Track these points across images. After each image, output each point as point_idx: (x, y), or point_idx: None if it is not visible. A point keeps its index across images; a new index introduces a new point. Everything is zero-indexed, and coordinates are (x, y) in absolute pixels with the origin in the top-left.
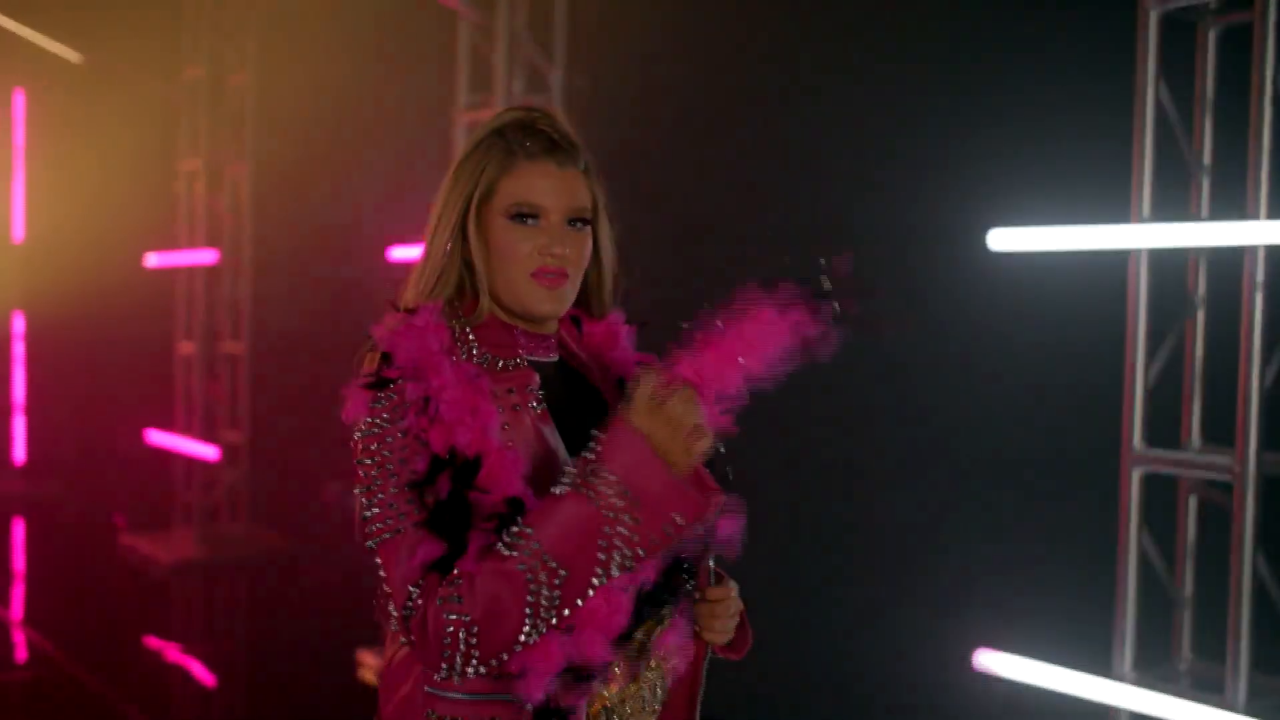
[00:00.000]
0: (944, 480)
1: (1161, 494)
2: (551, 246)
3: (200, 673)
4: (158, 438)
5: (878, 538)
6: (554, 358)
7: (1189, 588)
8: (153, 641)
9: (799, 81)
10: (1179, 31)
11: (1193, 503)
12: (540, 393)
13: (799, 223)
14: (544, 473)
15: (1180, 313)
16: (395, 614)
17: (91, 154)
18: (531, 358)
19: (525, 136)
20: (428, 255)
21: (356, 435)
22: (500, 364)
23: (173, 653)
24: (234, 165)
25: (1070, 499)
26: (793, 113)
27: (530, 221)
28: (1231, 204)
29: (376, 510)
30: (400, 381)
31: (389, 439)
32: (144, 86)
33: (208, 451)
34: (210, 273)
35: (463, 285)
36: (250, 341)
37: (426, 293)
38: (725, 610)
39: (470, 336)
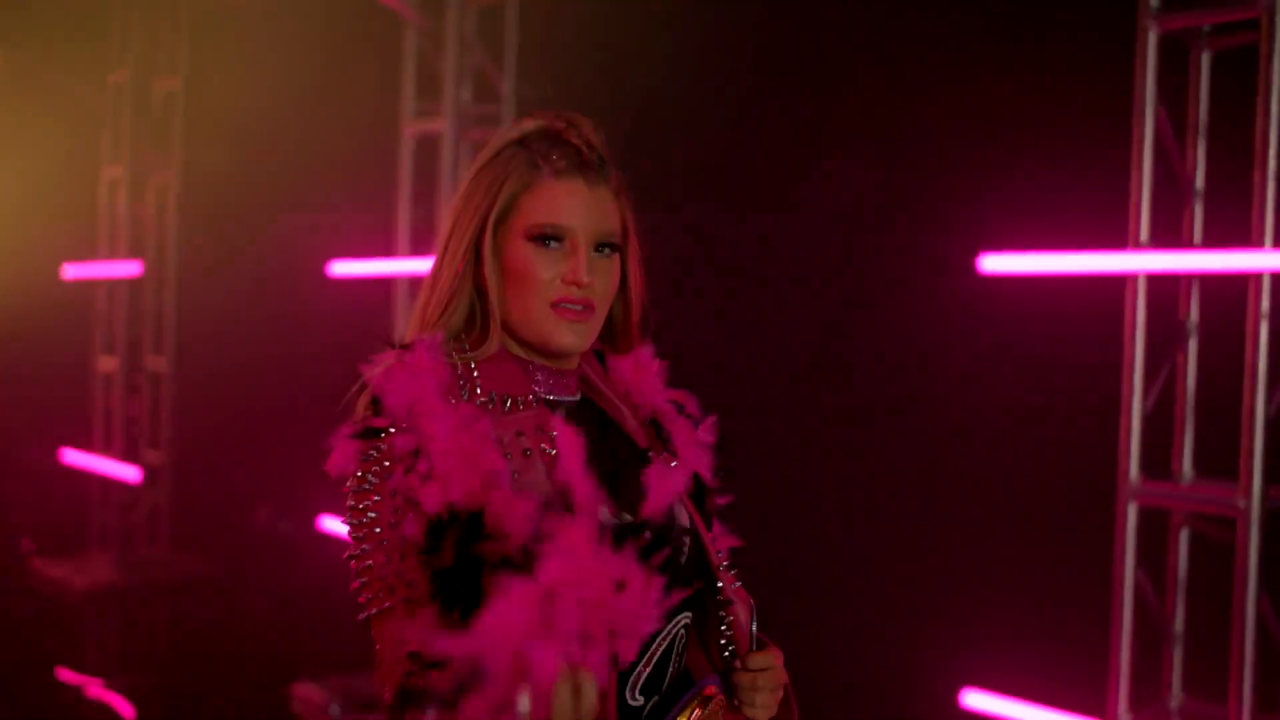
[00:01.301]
0: (932, 511)
1: (1154, 526)
2: (576, 274)
3: (118, 707)
4: (74, 457)
5: (862, 571)
6: (575, 397)
7: (1181, 623)
8: (66, 673)
9: (778, 94)
10: (1173, 54)
11: (1184, 535)
12: (556, 435)
13: (779, 244)
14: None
15: (1172, 341)
16: (387, 699)
17: (7, 159)
18: (549, 396)
19: (551, 148)
20: (435, 279)
21: (346, 490)
22: (509, 404)
23: (88, 685)
24: (160, 173)
25: (1062, 530)
26: (771, 128)
27: (553, 244)
28: (1225, 229)
29: (366, 580)
30: (389, 432)
31: (378, 498)
32: (66, 89)
33: (128, 472)
34: (133, 285)
35: (474, 314)
36: (175, 357)
37: (433, 322)
38: (769, 682)
39: (474, 373)
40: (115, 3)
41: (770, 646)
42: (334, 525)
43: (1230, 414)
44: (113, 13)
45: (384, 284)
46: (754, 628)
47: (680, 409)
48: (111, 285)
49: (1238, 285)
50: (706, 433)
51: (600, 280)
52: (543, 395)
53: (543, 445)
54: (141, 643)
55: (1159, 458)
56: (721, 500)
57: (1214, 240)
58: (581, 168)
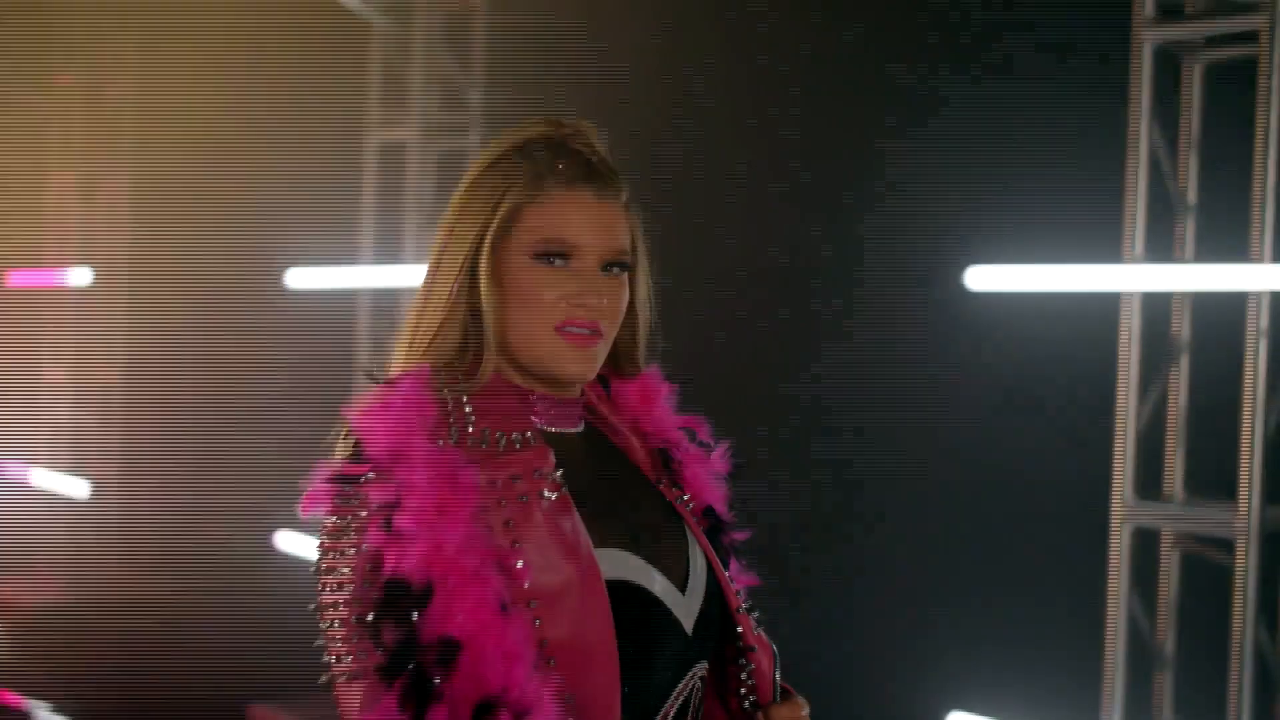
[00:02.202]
0: (918, 530)
1: (1146, 547)
2: (584, 295)
3: None
4: (19, 471)
5: (847, 591)
6: (579, 427)
7: (1171, 646)
8: (10, 698)
9: (760, 105)
10: (1165, 65)
11: (1175, 557)
12: (558, 475)
13: (760, 257)
14: (558, 575)
15: (1165, 359)
16: None
17: None
18: (550, 428)
19: (556, 157)
20: (425, 301)
21: (319, 538)
22: (504, 442)
23: (35, 710)
24: (110, 180)
25: (1052, 550)
26: (752, 139)
27: (558, 262)
28: (1218, 244)
29: (337, 643)
30: (368, 479)
31: (351, 552)
32: (10, 93)
33: (76, 487)
34: (82, 294)
35: (468, 340)
36: (125, 369)
37: (422, 349)
38: None
39: (467, 408)
40: (61, 3)
41: (794, 696)
42: (291, 542)
43: (1221, 433)
44: (58, 13)
45: (346, 295)
46: (777, 675)
47: (692, 436)
48: (60, 294)
49: (1229, 301)
50: (719, 462)
51: (609, 301)
52: (543, 427)
53: (541, 489)
54: (91, 664)
55: (1151, 477)
56: (739, 536)
57: (1207, 255)
58: (590, 178)
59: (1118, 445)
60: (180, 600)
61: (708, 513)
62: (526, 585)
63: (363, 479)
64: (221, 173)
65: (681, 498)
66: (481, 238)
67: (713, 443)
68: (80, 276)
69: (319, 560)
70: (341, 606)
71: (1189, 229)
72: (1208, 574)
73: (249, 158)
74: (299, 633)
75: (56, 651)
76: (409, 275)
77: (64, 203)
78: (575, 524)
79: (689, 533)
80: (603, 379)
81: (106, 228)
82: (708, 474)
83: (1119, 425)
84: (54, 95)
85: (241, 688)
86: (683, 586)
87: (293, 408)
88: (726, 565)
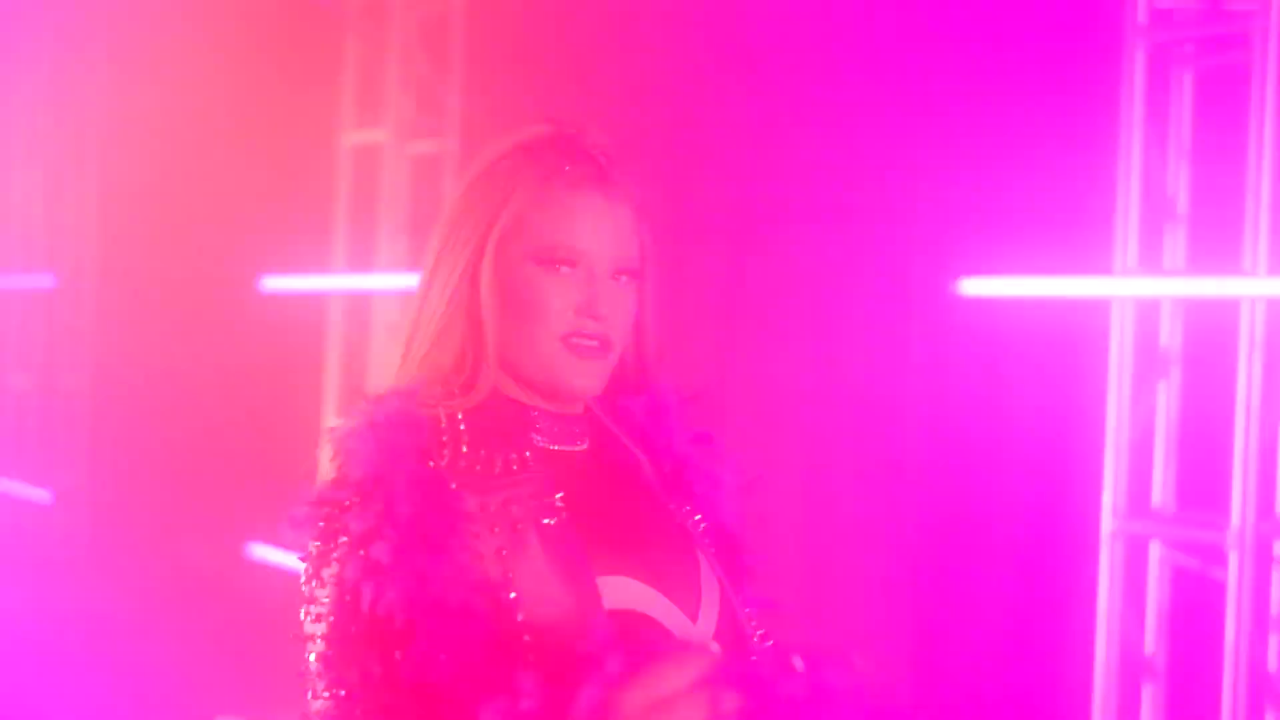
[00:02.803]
0: (906, 541)
1: (1135, 559)
2: (592, 304)
3: None
4: None
5: (834, 601)
6: (583, 445)
7: (1162, 659)
8: None
9: (746, 112)
10: (1157, 71)
11: (1166, 569)
12: (558, 499)
13: (749, 266)
14: (556, 607)
15: (1156, 369)
16: None
17: None
18: (552, 447)
19: (563, 158)
20: (423, 311)
21: (302, 565)
22: (500, 463)
23: None
24: (77, 181)
25: (1042, 562)
26: (739, 148)
27: (565, 270)
28: (1209, 254)
29: (315, 669)
30: (353, 503)
31: (331, 582)
32: None
33: (40, 495)
34: (48, 298)
35: (465, 352)
36: (92, 375)
37: (418, 360)
38: None
39: (461, 426)
40: (29, 2)
41: None
42: (262, 553)
43: (1213, 444)
44: (23, 11)
45: (319, 300)
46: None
47: (703, 452)
48: (25, 298)
49: (1221, 311)
50: (731, 478)
51: (618, 311)
52: (545, 445)
53: (539, 514)
54: (57, 676)
55: (1142, 489)
56: (753, 558)
57: (1199, 265)
58: (599, 182)
59: (1108, 456)
60: (148, 611)
61: (720, 534)
62: (520, 619)
63: (347, 502)
64: (191, 175)
65: (693, 518)
66: (483, 242)
67: (724, 457)
68: (45, 280)
69: (304, 585)
70: (319, 640)
71: (1180, 238)
72: (1199, 586)
73: (220, 160)
74: (268, 645)
75: (18, 664)
76: (383, 281)
77: (29, 205)
78: (576, 551)
79: (701, 556)
80: (609, 393)
81: (73, 231)
82: (719, 493)
83: (1110, 436)
84: (20, 96)
85: (209, 701)
86: (694, 615)
87: (263, 415)
88: (740, 589)
